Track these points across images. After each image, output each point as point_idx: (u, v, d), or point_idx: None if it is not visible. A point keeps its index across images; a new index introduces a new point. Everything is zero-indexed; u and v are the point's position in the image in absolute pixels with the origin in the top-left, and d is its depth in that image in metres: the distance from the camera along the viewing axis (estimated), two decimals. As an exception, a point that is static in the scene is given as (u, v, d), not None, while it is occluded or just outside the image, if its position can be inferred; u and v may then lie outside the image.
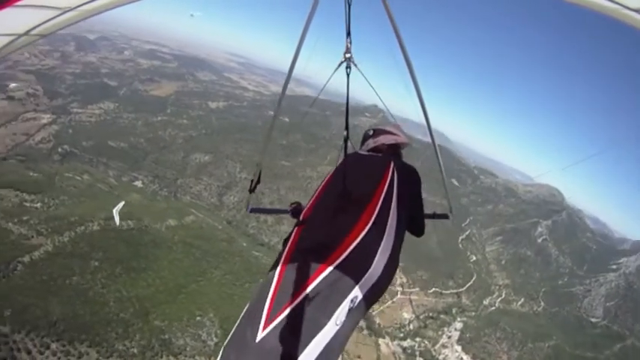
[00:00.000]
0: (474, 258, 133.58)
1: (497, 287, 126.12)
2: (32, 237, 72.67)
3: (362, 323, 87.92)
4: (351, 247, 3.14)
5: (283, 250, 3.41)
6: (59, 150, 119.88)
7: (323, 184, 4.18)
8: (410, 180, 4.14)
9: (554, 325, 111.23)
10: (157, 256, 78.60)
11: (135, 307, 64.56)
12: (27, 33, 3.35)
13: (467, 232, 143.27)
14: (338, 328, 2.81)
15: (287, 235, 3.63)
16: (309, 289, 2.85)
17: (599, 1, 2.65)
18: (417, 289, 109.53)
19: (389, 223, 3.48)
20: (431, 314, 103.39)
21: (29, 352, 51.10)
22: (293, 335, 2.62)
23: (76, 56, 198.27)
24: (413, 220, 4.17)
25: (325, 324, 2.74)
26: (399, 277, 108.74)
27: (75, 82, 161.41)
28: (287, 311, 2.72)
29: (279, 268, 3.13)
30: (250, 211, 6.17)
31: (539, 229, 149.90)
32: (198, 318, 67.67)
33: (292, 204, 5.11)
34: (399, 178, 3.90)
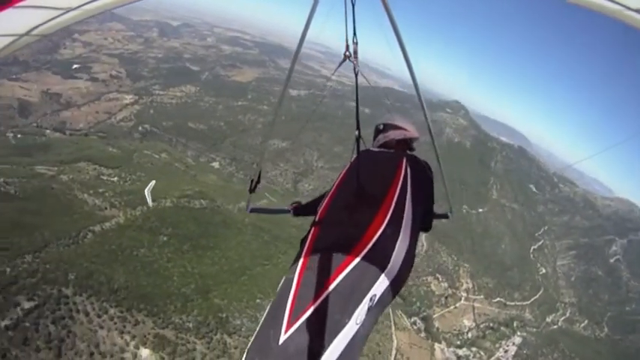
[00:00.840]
0: (544, 271, 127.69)
1: (563, 305, 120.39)
2: (106, 208, 74.50)
3: (420, 325, 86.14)
4: (369, 246, 3.11)
5: (301, 250, 3.37)
6: (140, 129, 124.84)
7: (337, 182, 4.12)
8: (423, 176, 4.08)
9: (614, 354, 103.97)
10: (226, 236, 78.49)
11: (197, 283, 64.31)
12: (28, 33, 3.36)
13: (540, 243, 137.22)
14: (358, 327, 2.81)
15: (304, 234, 3.57)
16: (328, 290, 2.85)
17: (600, 2, 2.65)
18: (482, 296, 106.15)
19: (404, 221, 3.44)
20: (491, 324, 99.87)
21: (87, 314, 51.74)
22: (315, 337, 2.64)
23: (159, 42, 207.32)
24: (424, 215, 4.06)
25: (346, 324, 2.74)
26: (465, 282, 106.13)
27: (158, 66, 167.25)
28: (308, 313, 2.73)
29: (298, 270, 3.10)
30: (250, 211, 6.02)
31: (614, 248, 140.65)
32: (258, 300, 66.62)
33: (293, 203, 5.42)
34: (412, 175, 3.86)
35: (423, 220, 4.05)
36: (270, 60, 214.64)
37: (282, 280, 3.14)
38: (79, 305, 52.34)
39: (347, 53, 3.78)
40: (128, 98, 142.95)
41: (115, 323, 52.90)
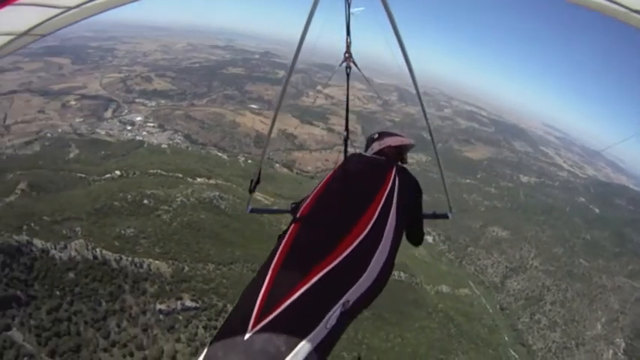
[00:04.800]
0: None
1: None
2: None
3: None
4: (348, 249, 3.12)
5: (278, 246, 3.32)
6: None
7: (323, 182, 4.14)
8: (410, 188, 4.15)
9: None
10: (413, 316, 75.34)
11: (360, 354, 61.91)
12: (27, 32, 3.39)
13: None
14: (327, 331, 2.78)
15: (282, 232, 3.56)
16: (302, 290, 2.83)
17: (603, 2, 2.78)
18: None
19: (387, 228, 3.45)
20: None
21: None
22: (282, 336, 2.60)
23: (397, 106, 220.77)
24: (412, 229, 4.45)
25: (315, 327, 2.72)
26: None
27: (393, 129, 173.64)
28: (278, 311, 2.71)
29: (272, 265, 3.07)
30: (250, 211, 6.29)
31: None
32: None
33: (292, 203, 5.17)
34: (400, 184, 3.91)
35: (413, 234, 4.51)
36: (505, 140, 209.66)
37: (256, 274, 3.11)
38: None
39: (347, 54, 4.06)
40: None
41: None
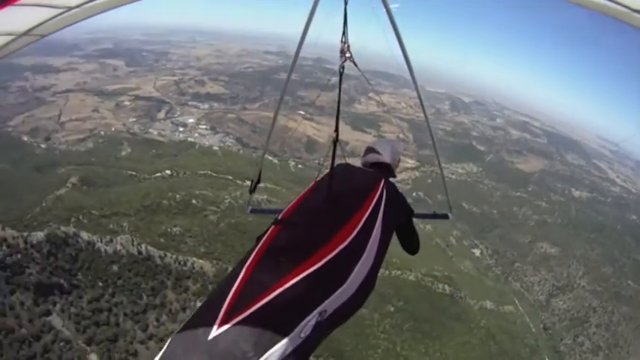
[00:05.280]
0: None
1: None
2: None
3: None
4: (329, 257, 2.98)
5: (255, 246, 3.19)
6: (413, 194, 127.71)
7: (308, 188, 4.06)
8: (400, 202, 4.13)
9: None
10: (454, 331, 73.54)
11: None
12: (27, 33, 3.39)
13: None
14: (301, 341, 2.60)
15: (261, 233, 3.39)
16: (276, 292, 2.66)
17: (604, 2, 2.79)
18: None
19: (371, 241, 3.31)
20: None
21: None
22: (249, 339, 2.40)
23: (450, 115, 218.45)
24: (405, 239, 4.45)
25: (288, 334, 2.52)
26: None
27: (444, 138, 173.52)
28: (249, 312, 2.52)
29: (247, 265, 2.93)
30: (250, 211, 6.55)
31: None
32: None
33: None
34: (387, 198, 3.79)
35: (407, 244, 4.49)
36: (558, 152, 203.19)
37: (228, 273, 2.99)
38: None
39: (347, 54, 3.94)
40: (410, 162, 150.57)
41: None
